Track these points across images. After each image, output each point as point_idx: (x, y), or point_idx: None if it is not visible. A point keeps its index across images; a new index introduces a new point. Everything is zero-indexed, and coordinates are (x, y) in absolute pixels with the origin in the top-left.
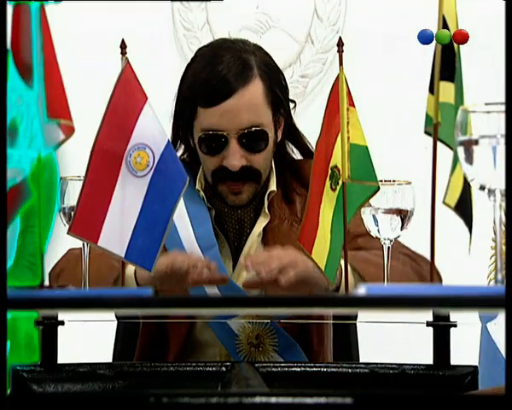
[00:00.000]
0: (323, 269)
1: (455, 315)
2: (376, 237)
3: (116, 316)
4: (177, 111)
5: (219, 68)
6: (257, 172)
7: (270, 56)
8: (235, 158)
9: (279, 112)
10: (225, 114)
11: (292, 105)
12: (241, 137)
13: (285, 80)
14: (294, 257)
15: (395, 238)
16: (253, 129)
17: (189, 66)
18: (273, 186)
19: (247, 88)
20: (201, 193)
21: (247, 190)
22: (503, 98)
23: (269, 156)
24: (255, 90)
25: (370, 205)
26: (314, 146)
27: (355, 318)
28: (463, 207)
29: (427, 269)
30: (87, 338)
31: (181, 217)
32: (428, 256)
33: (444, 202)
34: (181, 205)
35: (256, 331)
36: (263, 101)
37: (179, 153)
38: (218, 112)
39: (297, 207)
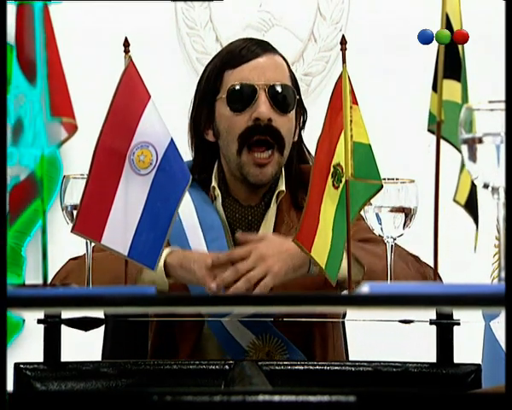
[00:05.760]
0: (324, 267)
1: (458, 313)
2: (380, 236)
3: (104, 315)
4: (198, 96)
5: (247, 42)
6: (281, 139)
7: None
8: (265, 107)
9: (299, 105)
10: (254, 70)
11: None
12: (269, 90)
13: None
14: (274, 261)
15: (398, 236)
16: (281, 84)
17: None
18: (282, 186)
19: (273, 57)
20: (217, 190)
21: (271, 164)
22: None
23: (291, 128)
24: (281, 63)
25: (371, 204)
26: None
27: (343, 316)
28: (472, 205)
29: (430, 273)
30: (88, 337)
31: (193, 229)
32: (429, 257)
33: (454, 200)
34: (193, 215)
35: (266, 348)
36: (287, 76)
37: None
38: (246, 68)
39: None
